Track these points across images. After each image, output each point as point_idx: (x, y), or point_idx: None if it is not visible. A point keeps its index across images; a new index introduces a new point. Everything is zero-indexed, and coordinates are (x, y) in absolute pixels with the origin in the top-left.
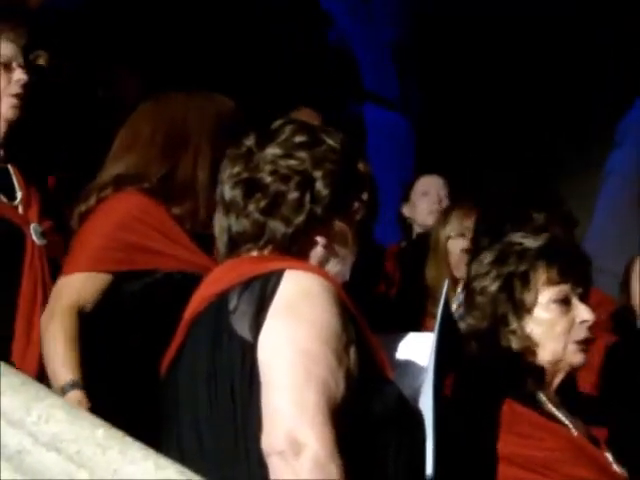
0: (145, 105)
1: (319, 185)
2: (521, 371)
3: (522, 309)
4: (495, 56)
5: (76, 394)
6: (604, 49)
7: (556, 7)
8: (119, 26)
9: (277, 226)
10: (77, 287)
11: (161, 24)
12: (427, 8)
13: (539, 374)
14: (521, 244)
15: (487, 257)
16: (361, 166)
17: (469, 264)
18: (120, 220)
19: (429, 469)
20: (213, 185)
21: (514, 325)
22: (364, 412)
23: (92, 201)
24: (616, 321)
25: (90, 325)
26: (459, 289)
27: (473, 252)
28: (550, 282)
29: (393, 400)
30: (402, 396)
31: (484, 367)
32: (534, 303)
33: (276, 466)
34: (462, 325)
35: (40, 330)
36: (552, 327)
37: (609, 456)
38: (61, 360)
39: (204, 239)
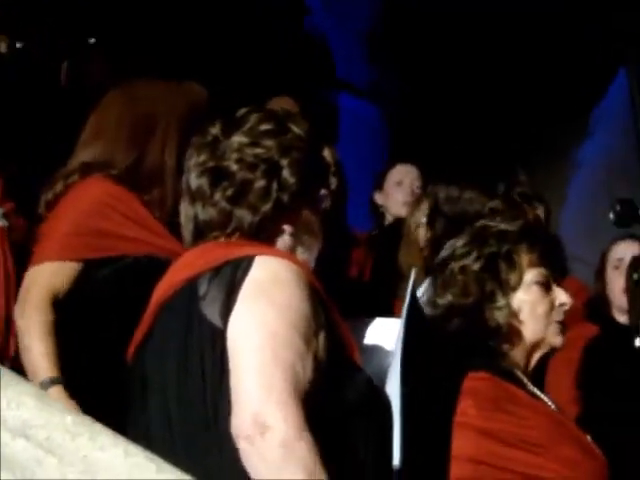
0: (113, 92)
1: (286, 173)
2: (503, 348)
3: (507, 288)
4: (468, 45)
5: (57, 390)
6: (574, 40)
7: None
8: (90, 10)
9: (244, 214)
10: (48, 276)
11: (134, 9)
12: None
13: (519, 352)
14: (497, 226)
15: (462, 239)
16: (328, 154)
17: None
18: (88, 207)
19: (396, 459)
20: (180, 172)
21: (501, 302)
22: (333, 397)
23: (59, 188)
24: (591, 310)
25: (61, 313)
26: None
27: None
28: (531, 264)
29: (362, 386)
30: (371, 382)
31: (467, 343)
32: (519, 283)
33: (244, 450)
34: (436, 303)
35: (15, 323)
36: (534, 307)
37: (588, 436)
38: (39, 356)
39: (175, 225)
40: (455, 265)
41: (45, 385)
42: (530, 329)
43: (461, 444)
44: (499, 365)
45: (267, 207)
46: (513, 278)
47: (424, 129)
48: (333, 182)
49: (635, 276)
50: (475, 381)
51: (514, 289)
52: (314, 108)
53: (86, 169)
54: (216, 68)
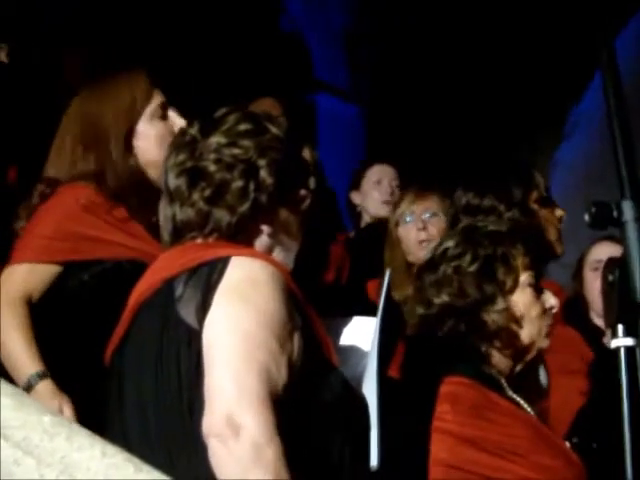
0: (70, 105)
1: (263, 173)
2: (493, 351)
3: (505, 290)
4: (447, 45)
5: (46, 384)
6: (554, 41)
7: (509, 2)
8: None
9: (222, 215)
10: (23, 277)
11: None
12: None
13: (509, 356)
14: (487, 227)
15: (452, 239)
16: (307, 154)
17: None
18: (67, 210)
19: (373, 459)
20: (140, 174)
21: (501, 304)
22: (309, 398)
23: (36, 198)
24: (568, 311)
25: (39, 316)
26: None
27: None
28: (525, 267)
29: (338, 386)
30: (347, 382)
31: (453, 345)
32: (515, 286)
33: (214, 448)
34: (431, 302)
35: None
36: (529, 310)
37: (567, 444)
38: (21, 351)
39: (154, 227)
40: (448, 265)
41: (34, 380)
42: (526, 332)
43: (437, 448)
44: (481, 370)
45: (245, 207)
46: (509, 281)
47: (402, 129)
48: (312, 182)
49: (610, 278)
50: (454, 386)
51: (511, 292)
52: (292, 108)
53: (50, 184)
54: (194, 70)
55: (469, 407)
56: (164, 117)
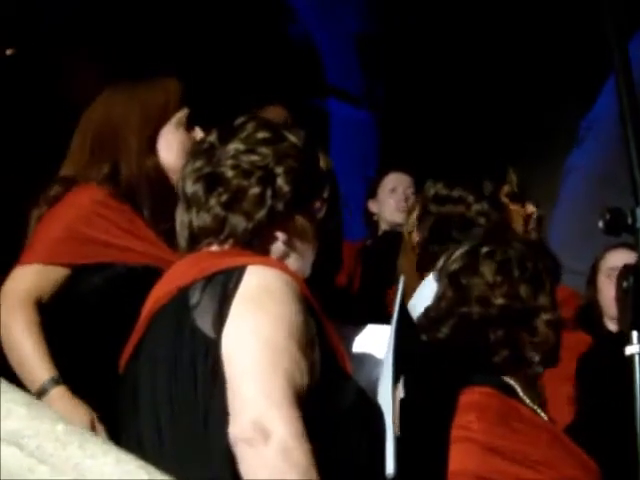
0: (91, 106)
1: (280, 181)
2: (526, 360)
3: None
4: (459, 50)
5: (60, 390)
6: (566, 45)
7: (523, 6)
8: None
9: (238, 221)
10: (33, 278)
11: (122, 18)
12: (393, 1)
13: (542, 363)
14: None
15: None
16: (322, 163)
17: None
18: (79, 213)
19: (389, 467)
20: (159, 177)
21: (549, 315)
22: (324, 407)
23: (46, 203)
24: (582, 317)
25: (51, 319)
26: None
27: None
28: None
29: (353, 395)
30: (362, 390)
31: (475, 354)
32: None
33: (244, 453)
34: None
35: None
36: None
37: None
38: (33, 357)
39: (167, 233)
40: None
41: (48, 385)
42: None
43: (464, 459)
44: (502, 380)
45: (261, 214)
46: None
47: (415, 134)
48: (326, 191)
49: (625, 285)
50: (480, 395)
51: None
52: (304, 114)
53: (67, 182)
54: (205, 76)
55: (495, 416)
56: (189, 128)
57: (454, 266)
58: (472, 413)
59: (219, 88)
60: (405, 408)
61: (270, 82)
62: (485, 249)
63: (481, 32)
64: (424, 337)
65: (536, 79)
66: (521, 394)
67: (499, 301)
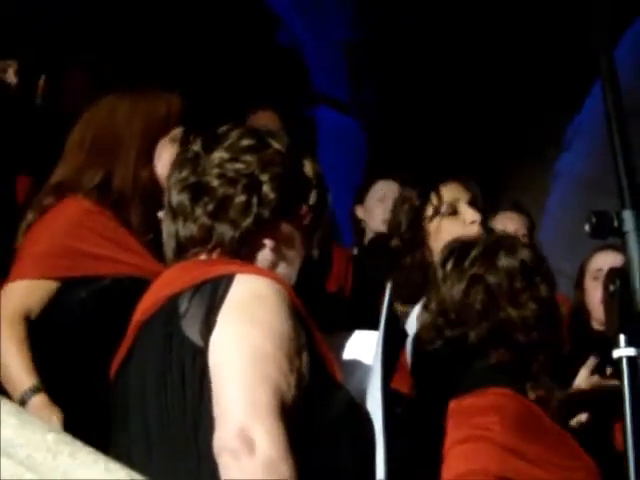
0: (83, 114)
1: (266, 188)
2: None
3: None
4: (447, 56)
5: (40, 398)
6: (554, 52)
7: (508, 13)
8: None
9: (225, 229)
10: (22, 294)
11: (111, 25)
12: (380, 9)
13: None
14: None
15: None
16: (311, 169)
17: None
18: (65, 226)
19: (380, 474)
20: (152, 188)
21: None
22: (314, 416)
23: (35, 212)
24: (571, 319)
25: (38, 333)
26: None
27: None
28: None
29: (343, 402)
30: (352, 398)
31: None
32: None
33: (227, 464)
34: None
35: None
36: None
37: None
38: (17, 367)
39: (152, 243)
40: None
41: (28, 395)
42: None
43: (485, 459)
44: (519, 384)
45: (247, 222)
46: None
47: (403, 141)
48: (314, 197)
49: (612, 287)
50: (501, 397)
51: None
52: (292, 121)
53: (57, 189)
54: (195, 83)
55: (516, 419)
56: (182, 145)
57: (475, 268)
58: (494, 415)
59: (208, 95)
60: (415, 410)
61: (258, 89)
62: (502, 252)
63: (470, 39)
64: (438, 339)
65: (523, 84)
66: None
67: (532, 305)
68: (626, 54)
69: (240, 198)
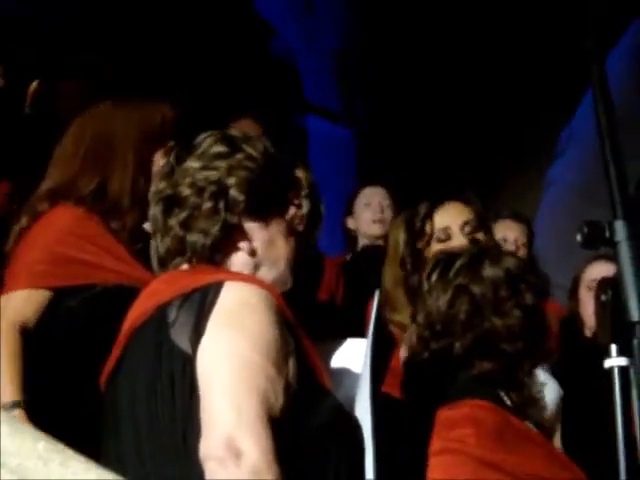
0: (76, 119)
1: (233, 192)
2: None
3: None
4: (438, 64)
5: (17, 413)
6: (547, 59)
7: (500, 20)
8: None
9: (196, 238)
10: (18, 305)
11: (103, 31)
12: (372, 18)
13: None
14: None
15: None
16: (304, 177)
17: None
18: (57, 235)
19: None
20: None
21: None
22: (303, 424)
23: (28, 217)
24: (565, 329)
25: (31, 342)
26: None
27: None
28: None
29: (331, 410)
30: (340, 406)
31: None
32: None
33: (213, 472)
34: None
35: None
36: None
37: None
38: (3, 379)
39: (143, 252)
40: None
41: (7, 409)
42: None
43: (457, 472)
44: (498, 395)
45: (216, 228)
46: None
47: (395, 151)
48: (306, 204)
49: (603, 298)
50: (477, 409)
51: None
52: (283, 130)
53: (52, 195)
54: (184, 91)
55: (492, 431)
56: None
57: (460, 279)
58: (469, 427)
59: (197, 104)
60: (396, 418)
61: (250, 99)
62: (487, 261)
63: (461, 47)
64: (425, 351)
65: (515, 91)
66: (511, 407)
67: (516, 313)
68: (619, 62)
69: (207, 205)
